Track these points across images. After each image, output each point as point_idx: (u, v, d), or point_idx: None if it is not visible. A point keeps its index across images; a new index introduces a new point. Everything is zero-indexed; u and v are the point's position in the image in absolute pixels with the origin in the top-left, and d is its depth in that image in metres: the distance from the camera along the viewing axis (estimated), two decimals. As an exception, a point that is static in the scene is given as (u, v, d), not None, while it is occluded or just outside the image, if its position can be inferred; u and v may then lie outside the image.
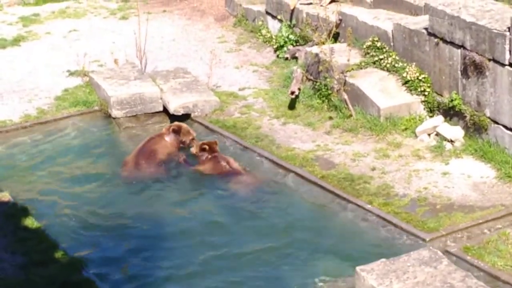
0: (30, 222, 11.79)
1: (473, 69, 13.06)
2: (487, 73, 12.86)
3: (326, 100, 14.78)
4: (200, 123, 14.82)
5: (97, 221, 12.09)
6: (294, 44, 16.98)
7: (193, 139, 13.84)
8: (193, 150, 13.61)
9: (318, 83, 14.95)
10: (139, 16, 16.85)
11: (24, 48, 18.11)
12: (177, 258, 11.25)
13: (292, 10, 17.28)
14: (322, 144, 13.81)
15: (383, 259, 10.01)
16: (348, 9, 16.18)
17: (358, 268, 9.89)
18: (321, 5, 16.63)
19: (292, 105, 15.05)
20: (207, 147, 13.43)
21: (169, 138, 13.77)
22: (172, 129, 13.86)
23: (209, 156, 13.34)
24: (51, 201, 12.65)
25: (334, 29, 15.63)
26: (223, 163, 13.13)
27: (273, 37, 17.56)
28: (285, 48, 17.02)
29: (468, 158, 13.04)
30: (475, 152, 13.04)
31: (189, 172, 13.32)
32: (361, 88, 14.28)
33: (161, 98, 15.23)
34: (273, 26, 17.90)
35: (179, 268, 11.07)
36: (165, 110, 15.18)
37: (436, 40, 13.68)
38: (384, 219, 11.73)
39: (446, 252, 10.78)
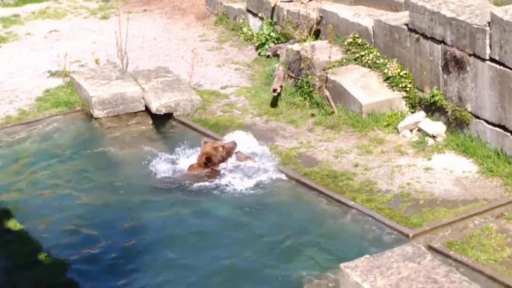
0: (13, 224, 11.75)
1: (454, 64, 13.10)
2: (468, 68, 12.91)
3: (308, 98, 14.79)
4: (183, 122, 14.81)
5: (80, 222, 12.05)
6: (276, 41, 16.98)
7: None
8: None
9: (300, 81, 14.97)
10: (120, 16, 16.81)
11: (4, 49, 18.04)
12: (160, 257, 11.24)
13: (273, 8, 17.29)
14: (305, 141, 13.82)
15: (367, 255, 10.01)
16: (329, 6, 16.20)
17: (342, 265, 9.89)
18: (302, 3, 16.67)
19: (274, 103, 15.06)
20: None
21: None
22: (205, 158, 13.14)
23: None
24: (34, 202, 12.61)
25: (315, 26, 15.65)
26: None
27: (254, 35, 17.56)
28: (266, 46, 17.03)
29: (450, 153, 13.08)
30: (457, 147, 13.09)
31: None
32: (343, 85, 14.31)
33: (143, 98, 15.21)
34: (254, 24, 17.90)
35: (163, 265, 11.07)
36: (147, 110, 15.15)
37: (416, 36, 13.72)
38: (367, 215, 11.76)
39: (430, 248, 10.82)
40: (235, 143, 13.39)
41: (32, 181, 13.22)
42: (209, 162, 13.15)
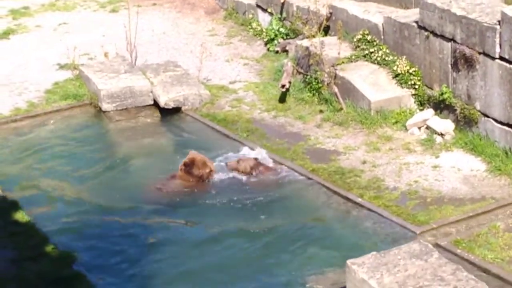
0: (20, 216, 11.77)
1: (463, 62, 13.08)
2: (477, 67, 12.88)
3: (317, 94, 14.78)
4: (191, 117, 14.81)
5: (87, 216, 12.06)
6: (285, 37, 16.97)
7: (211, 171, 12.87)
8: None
9: (308, 77, 14.95)
10: (129, 9, 16.80)
11: (13, 41, 18.05)
12: (167, 250, 11.25)
13: (283, 3, 17.26)
14: (313, 137, 13.81)
15: (374, 252, 10.00)
16: (339, 2, 16.17)
17: (349, 261, 9.87)
18: (312, -2, 16.64)
19: (282, 99, 15.04)
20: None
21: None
22: (184, 163, 12.77)
23: None
24: (41, 194, 12.62)
25: (325, 22, 15.63)
26: None
27: (264, 30, 17.55)
28: (275, 41, 17.01)
29: (458, 151, 13.06)
30: (465, 145, 13.07)
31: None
32: (352, 81, 14.29)
33: (151, 92, 15.21)
34: (264, 19, 17.88)
35: (168, 259, 11.09)
36: (156, 104, 15.16)
37: (426, 33, 13.69)
38: (375, 212, 11.74)
39: (437, 245, 10.81)
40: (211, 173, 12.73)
41: (39, 173, 13.23)
42: (187, 169, 12.65)
